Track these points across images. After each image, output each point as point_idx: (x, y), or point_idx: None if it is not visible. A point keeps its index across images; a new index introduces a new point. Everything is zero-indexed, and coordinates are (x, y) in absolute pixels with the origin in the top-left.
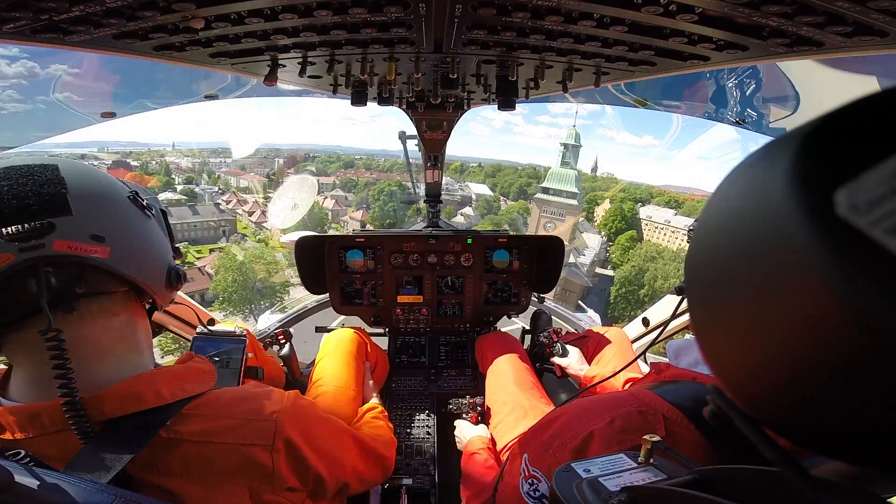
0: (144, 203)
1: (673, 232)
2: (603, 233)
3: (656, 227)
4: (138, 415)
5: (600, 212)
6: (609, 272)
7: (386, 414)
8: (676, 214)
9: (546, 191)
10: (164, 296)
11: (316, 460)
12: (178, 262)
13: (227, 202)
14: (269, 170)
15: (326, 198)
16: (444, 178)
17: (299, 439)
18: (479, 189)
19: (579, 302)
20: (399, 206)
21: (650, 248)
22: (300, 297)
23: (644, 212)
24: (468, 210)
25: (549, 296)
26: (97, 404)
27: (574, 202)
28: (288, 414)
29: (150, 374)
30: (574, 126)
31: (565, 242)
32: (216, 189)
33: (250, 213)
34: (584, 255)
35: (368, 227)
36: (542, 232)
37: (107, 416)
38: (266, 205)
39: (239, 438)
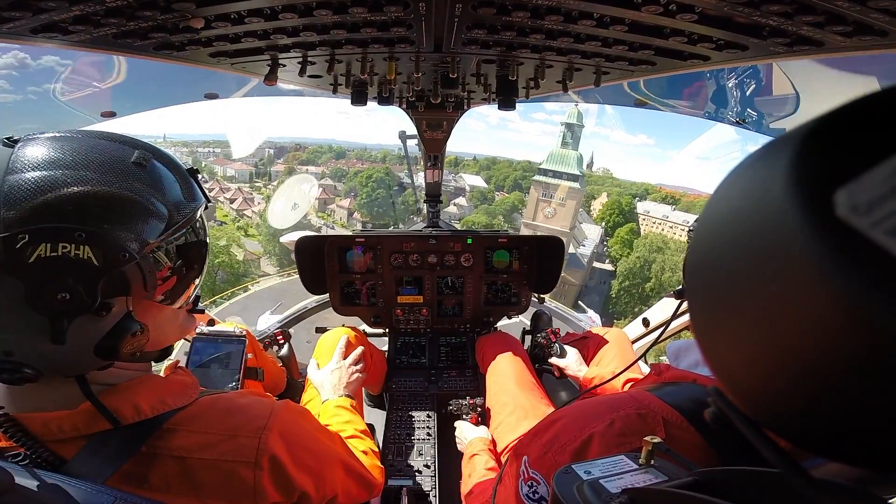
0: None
1: (671, 227)
2: (602, 225)
3: (654, 222)
4: (118, 430)
5: (597, 205)
6: (608, 266)
7: (376, 451)
8: (674, 209)
9: (545, 173)
10: None
11: (301, 477)
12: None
13: (210, 190)
14: (259, 159)
15: (314, 186)
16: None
17: (284, 456)
18: (473, 180)
19: (579, 303)
20: (388, 193)
21: (655, 238)
22: (262, 278)
23: (642, 206)
24: (461, 200)
25: None
26: (71, 420)
27: (576, 185)
28: (274, 430)
29: (127, 386)
30: (576, 105)
31: (567, 230)
32: (200, 177)
33: (231, 201)
34: (584, 245)
35: (356, 214)
36: (540, 218)
37: (81, 432)
38: (251, 193)
39: (220, 455)
